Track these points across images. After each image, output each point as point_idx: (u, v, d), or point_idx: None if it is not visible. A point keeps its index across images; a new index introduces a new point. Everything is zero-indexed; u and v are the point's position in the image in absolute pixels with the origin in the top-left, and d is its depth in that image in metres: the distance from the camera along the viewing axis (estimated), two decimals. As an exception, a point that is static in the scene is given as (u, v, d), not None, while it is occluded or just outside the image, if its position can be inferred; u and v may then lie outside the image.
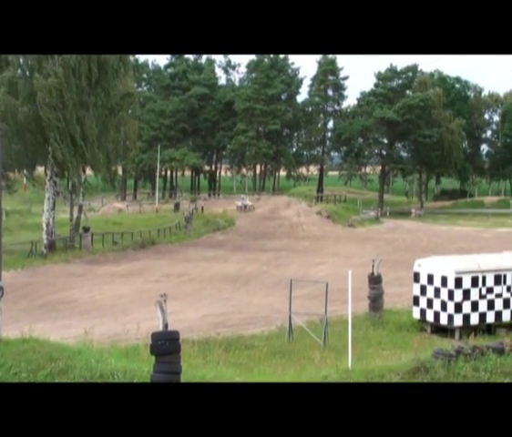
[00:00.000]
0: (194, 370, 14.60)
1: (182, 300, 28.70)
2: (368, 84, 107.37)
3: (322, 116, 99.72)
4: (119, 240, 49.24)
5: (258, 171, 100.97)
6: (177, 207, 71.90)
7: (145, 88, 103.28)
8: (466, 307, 22.62)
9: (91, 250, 45.53)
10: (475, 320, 22.81)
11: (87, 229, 47.49)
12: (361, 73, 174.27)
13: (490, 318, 23.14)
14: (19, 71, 44.65)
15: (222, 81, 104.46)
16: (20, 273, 36.29)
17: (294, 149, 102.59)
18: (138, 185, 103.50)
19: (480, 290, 22.89)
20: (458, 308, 22.50)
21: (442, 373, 14.47)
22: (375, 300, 24.64)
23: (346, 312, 18.14)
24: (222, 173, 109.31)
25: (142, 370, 13.54)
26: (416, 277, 23.87)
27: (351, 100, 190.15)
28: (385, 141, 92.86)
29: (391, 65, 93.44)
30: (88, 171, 52.36)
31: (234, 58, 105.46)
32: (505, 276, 23.49)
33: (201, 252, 48.32)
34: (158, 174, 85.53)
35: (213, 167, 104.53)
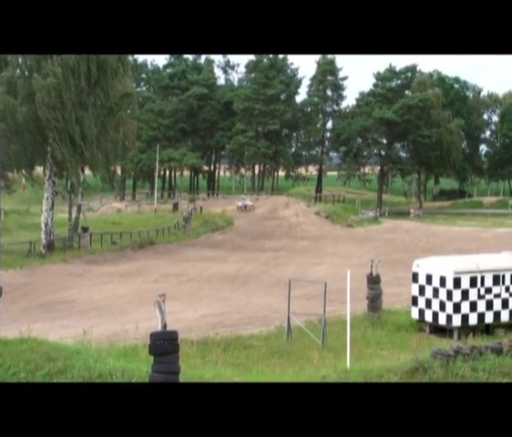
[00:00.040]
0: (193, 370, 14.58)
1: (181, 300, 28.70)
2: (367, 84, 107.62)
3: (320, 116, 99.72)
4: (118, 240, 49.23)
5: (257, 171, 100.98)
6: (175, 207, 71.91)
7: (144, 88, 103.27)
8: (465, 307, 22.62)
9: (90, 250, 45.52)
10: (473, 320, 22.80)
11: (85, 229, 47.47)
12: (360, 73, 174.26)
13: (489, 318, 23.14)
14: (18, 71, 44.62)
15: (221, 81, 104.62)
16: (19, 273, 36.27)
17: (293, 149, 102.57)
18: (137, 185, 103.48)
19: (479, 291, 22.90)
20: (457, 308, 22.50)
21: (440, 373, 14.47)
22: (374, 301, 24.63)
23: (345, 312, 18.14)
24: (221, 173, 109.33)
25: (141, 370, 13.54)
26: (415, 277, 23.87)
27: (350, 100, 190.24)
28: (384, 141, 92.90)
29: (390, 65, 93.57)
30: (87, 171, 52.35)
31: (233, 58, 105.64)
32: (503, 276, 23.50)
33: (200, 252, 48.33)
34: (156, 174, 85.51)
35: (212, 168, 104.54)
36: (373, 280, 24.83)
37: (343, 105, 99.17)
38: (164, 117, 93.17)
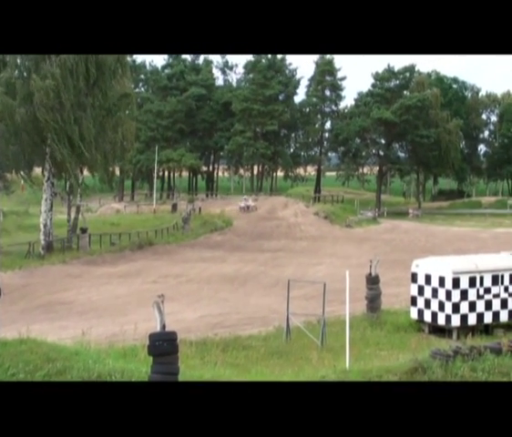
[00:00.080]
0: (192, 371, 14.57)
1: (180, 301, 28.69)
2: (365, 84, 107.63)
3: (319, 116, 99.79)
4: (117, 241, 49.23)
5: (255, 172, 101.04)
6: (174, 207, 71.90)
7: (142, 89, 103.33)
8: (464, 307, 22.62)
9: (89, 251, 45.49)
10: (472, 320, 22.80)
11: (84, 230, 47.46)
12: (358, 73, 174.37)
13: (488, 318, 23.14)
14: (16, 72, 44.57)
15: (220, 82, 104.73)
16: (17, 274, 36.25)
17: (292, 150, 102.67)
18: (136, 186, 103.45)
19: (478, 291, 22.90)
20: (456, 308, 22.50)
21: (439, 374, 14.45)
22: (373, 301, 24.62)
23: (344, 313, 18.13)
24: (220, 174, 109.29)
25: (140, 370, 13.52)
26: (414, 277, 23.87)
27: (348, 101, 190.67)
28: (383, 141, 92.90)
29: (388, 65, 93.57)
30: (86, 172, 52.32)
31: (232, 59, 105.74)
32: (502, 276, 23.50)
33: (199, 253, 48.32)
34: (155, 175, 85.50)
35: (211, 168, 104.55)
36: (372, 281, 24.83)
37: (342, 105, 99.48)
38: (162, 118, 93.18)
